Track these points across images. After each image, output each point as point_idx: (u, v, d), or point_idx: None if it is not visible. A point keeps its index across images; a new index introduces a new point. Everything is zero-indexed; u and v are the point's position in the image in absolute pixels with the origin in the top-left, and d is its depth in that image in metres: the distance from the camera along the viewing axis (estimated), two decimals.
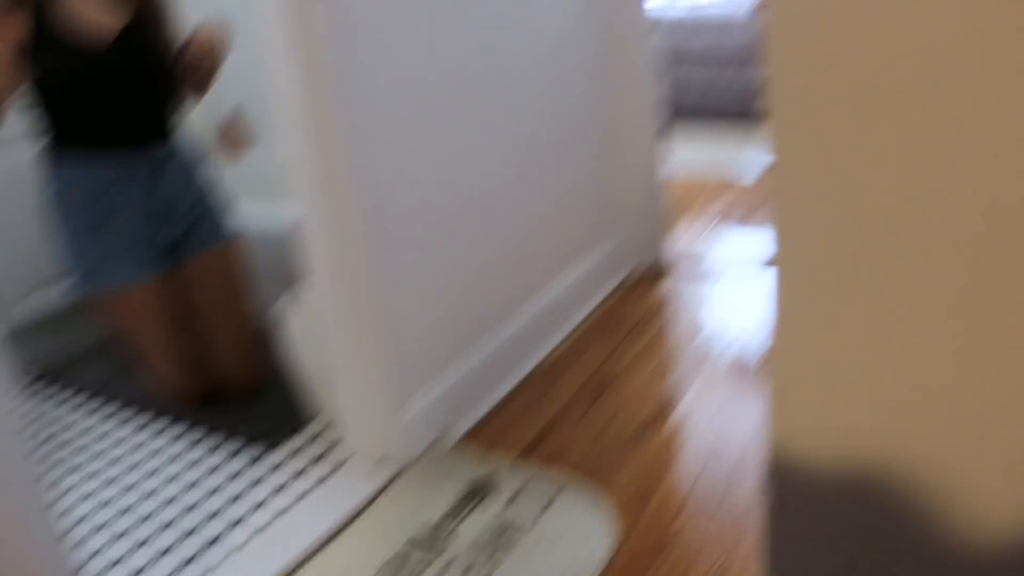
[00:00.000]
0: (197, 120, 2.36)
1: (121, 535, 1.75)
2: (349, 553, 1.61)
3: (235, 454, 1.97)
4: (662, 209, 2.88)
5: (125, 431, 2.14)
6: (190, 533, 1.72)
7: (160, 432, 2.11)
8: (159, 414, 2.18)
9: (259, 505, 1.78)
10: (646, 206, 2.82)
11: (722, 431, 1.90)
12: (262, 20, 1.60)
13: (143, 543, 1.71)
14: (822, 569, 0.78)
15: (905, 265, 0.64)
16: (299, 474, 1.86)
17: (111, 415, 2.22)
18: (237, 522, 1.73)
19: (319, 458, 1.91)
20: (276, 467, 1.90)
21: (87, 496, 1.89)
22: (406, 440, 1.84)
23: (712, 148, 4.22)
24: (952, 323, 0.64)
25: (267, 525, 1.71)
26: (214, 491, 1.85)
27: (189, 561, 1.64)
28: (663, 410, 2.00)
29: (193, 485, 1.88)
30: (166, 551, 1.68)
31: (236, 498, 1.81)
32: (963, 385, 0.65)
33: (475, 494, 1.73)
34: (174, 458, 1.99)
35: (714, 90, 4.46)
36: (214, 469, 1.93)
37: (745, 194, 3.53)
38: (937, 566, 0.70)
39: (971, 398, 0.65)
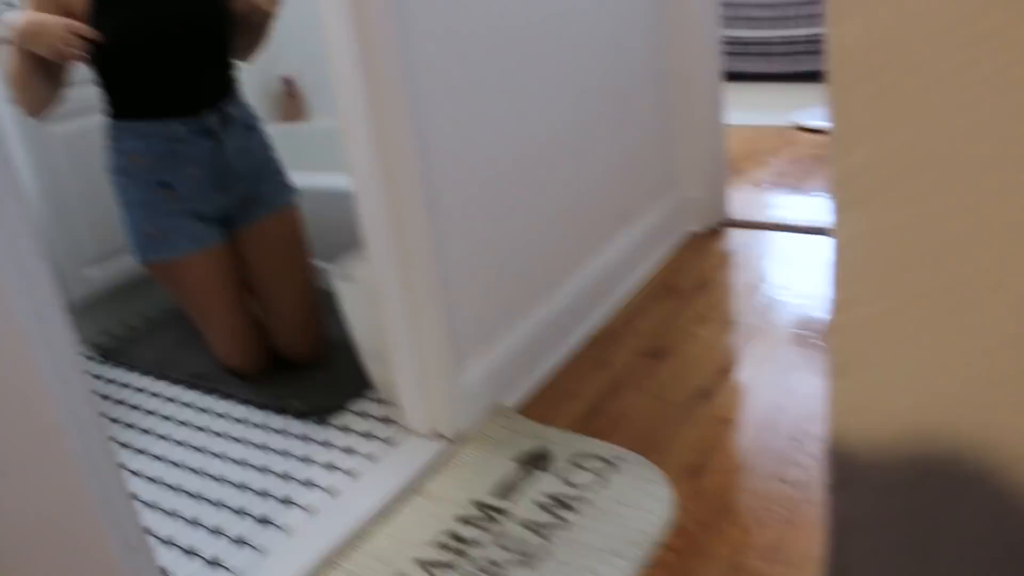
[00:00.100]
0: (251, 86, 2.35)
1: (171, 513, 1.75)
2: (404, 528, 1.60)
3: (287, 431, 1.97)
4: (723, 165, 2.80)
5: (180, 408, 2.15)
6: (241, 512, 1.72)
7: (213, 408, 2.12)
8: (212, 390, 2.19)
9: (311, 483, 1.77)
10: (707, 161, 2.74)
11: (782, 400, 1.84)
12: None
13: (193, 522, 1.71)
14: (891, 550, 0.74)
15: (973, 233, 0.60)
16: (351, 450, 1.85)
17: (165, 392, 2.24)
18: (288, 501, 1.73)
19: (371, 432, 1.90)
20: (328, 443, 1.89)
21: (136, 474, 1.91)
22: (461, 412, 1.82)
23: (773, 103, 4.11)
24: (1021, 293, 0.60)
25: (323, 499, 1.70)
26: (265, 469, 1.84)
27: (240, 541, 1.64)
28: (721, 377, 1.96)
29: (244, 463, 1.88)
30: (216, 531, 1.68)
31: (288, 477, 1.80)
32: None
33: (531, 465, 1.71)
34: (225, 436, 2.00)
35: (774, 46, 4.34)
36: (265, 447, 1.93)
37: (809, 150, 3.43)
38: (1017, 539, 0.67)
39: None
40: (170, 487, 1.84)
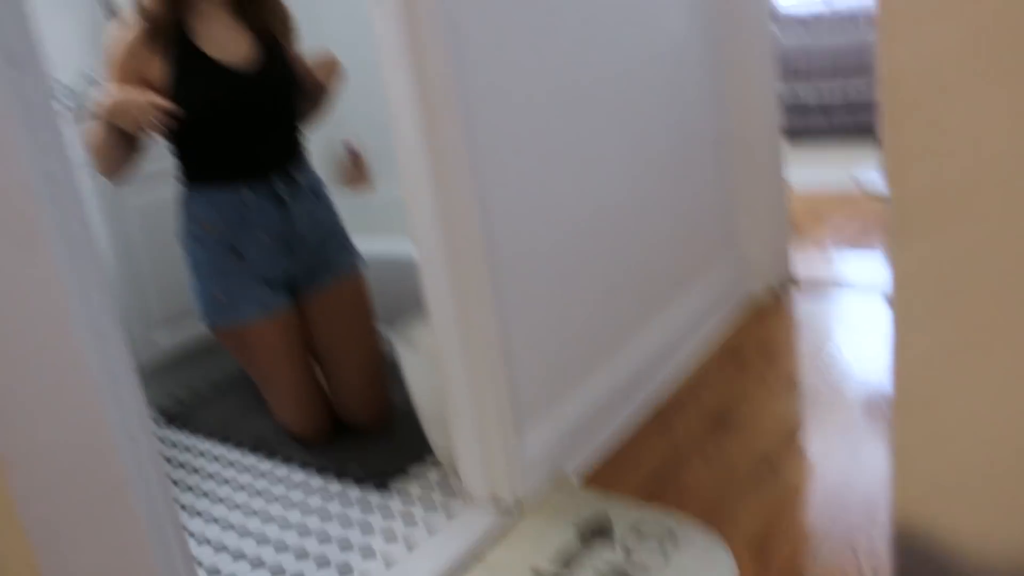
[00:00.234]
0: (316, 153, 2.41)
1: None
2: None
3: (345, 496, 1.96)
4: (785, 224, 2.76)
5: (240, 473, 2.16)
6: None
7: (273, 473, 2.13)
8: (274, 454, 2.20)
9: (369, 550, 1.75)
10: (769, 221, 2.71)
11: (851, 471, 1.78)
12: (377, 50, 1.61)
13: None
14: None
15: None
16: (410, 517, 1.83)
17: (226, 456, 2.26)
18: (346, 568, 1.71)
19: (431, 499, 1.88)
20: (386, 509, 1.88)
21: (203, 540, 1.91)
22: (521, 479, 1.79)
23: (835, 162, 4.08)
24: None
25: (380, 567, 1.68)
26: (323, 535, 1.83)
27: None
28: (788, 447, 1.90)
29: (302, 528, 1.87)
30: None
31: (347, 545, 1.79)
32: None
33: (592, 535, 1.68)
34: (284, 501, 1.99)
35: (838, 101, 4.32)
36: (323, 512, 1.92)
37: (872, 207, 3.38)
38: None
39: None
40: (229, 551, 1.83)
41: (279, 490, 2.04)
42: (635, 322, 2.20)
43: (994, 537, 0.62)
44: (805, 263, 2.89)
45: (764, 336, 2.46)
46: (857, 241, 3.10)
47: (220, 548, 1.85)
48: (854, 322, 2.48)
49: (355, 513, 1.89)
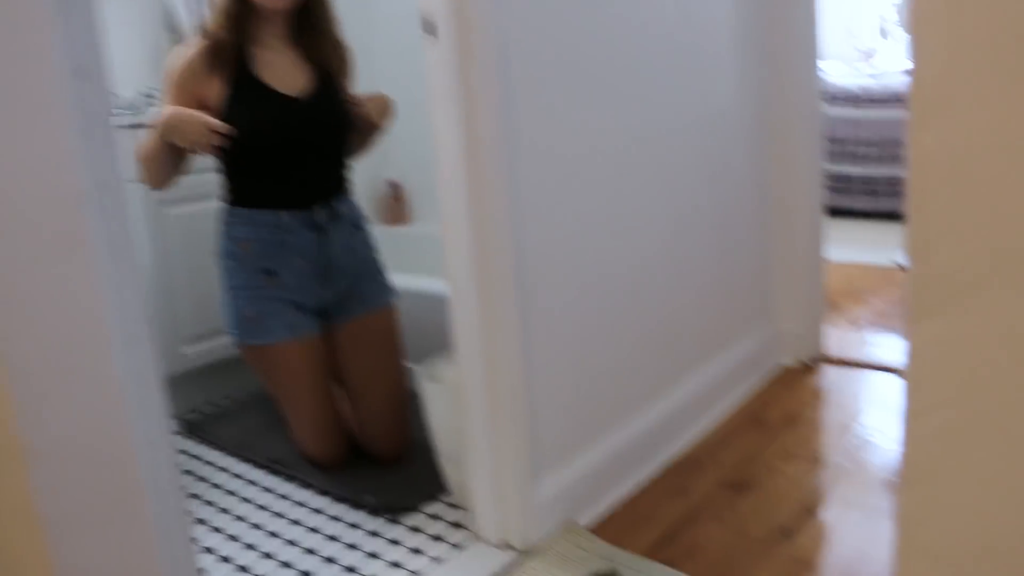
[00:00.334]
0: (359, 188, 2.45)
1: None
2: None
3: (359, 525, 1.97)
4: (820, 299, 2.75)
5: (258, 491, 2.18)
6: None
7: (291, 496, 2.14)
8: (291, 477, 2.22)
9: None
10: (804, 294, 2.70)
11: (867, 547, 1.76)
12: (428, 93, 1.65)
13: None
14: None
15: None
16: (419, 551, 1.84)
17: (247, 474, 2.28)
18: None
19: (441, 536, 1.88)
20: (397, 542, 1.88)
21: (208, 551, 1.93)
22: (533, 524, 1.79)
23: (876, 241, 4.06)
24: None
25: None
26: (331, 561, 1.84)
27: None
28: (805, 517, 1.88)
29: (313, 552, 1.88)
30: None
31: (352, 570, 1.80)
32: None
33: None
34: (299, 524, 2.01)
35: (879, 184, 4.32)
36: (336, 539, 1.93)
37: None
38: None
39: None
40: (240, 568, 1.85)
41: (296, 513, 2.06)
42: (661, 380, 2.20)
43: None
44: (838, 340, 2.88)
45: (790, 408, 2.44)
46: (892, 323, 3.07)
47: (231, 563, 1.86)
48: (883, 402, 2.46)
49: (366, 542, 1.89)
